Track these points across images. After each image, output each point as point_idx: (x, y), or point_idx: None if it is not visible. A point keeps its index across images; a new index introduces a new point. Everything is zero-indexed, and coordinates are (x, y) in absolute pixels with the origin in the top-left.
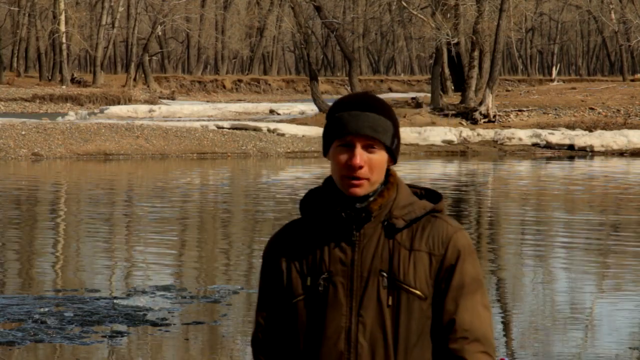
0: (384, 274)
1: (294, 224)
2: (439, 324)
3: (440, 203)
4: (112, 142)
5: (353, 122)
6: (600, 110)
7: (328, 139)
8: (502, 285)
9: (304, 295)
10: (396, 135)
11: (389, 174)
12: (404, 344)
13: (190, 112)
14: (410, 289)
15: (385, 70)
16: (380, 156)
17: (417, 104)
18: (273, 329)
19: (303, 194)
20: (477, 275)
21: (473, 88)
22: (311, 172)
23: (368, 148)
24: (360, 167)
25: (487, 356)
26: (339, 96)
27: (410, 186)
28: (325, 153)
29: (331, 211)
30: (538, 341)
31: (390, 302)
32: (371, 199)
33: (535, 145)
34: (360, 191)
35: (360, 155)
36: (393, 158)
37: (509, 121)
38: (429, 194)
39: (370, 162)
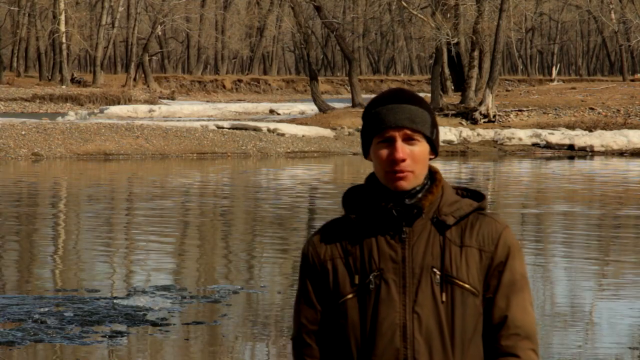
0: (436, 270)
1: (335, 223)
2: (488, 320)
3: (484, 201)
4: (112, 142)
5: (390, 116)
6: (600, 110)
7: (367, 138)
8: None
9: (353, 293)
10: (434, 125)
11: (434, 172)
12: (460, 339)
13: (190, 112)
14: (465, 285)
15: (385, 70)
16: (421, 148)
17: None
18: (319, 329)
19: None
20: (524, 273)
21: (473, 88)
22: (311, 172)
23: (409, 140)
24: (403, 160)
25: (535, 354)
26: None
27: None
28: (366, 154)
29: (380, 208)
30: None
31: (444, 299)
32: (420, 195)
33: (535, 145)
34: (406, 184)
35: (402, 148)
36: (434, 149)
37: (509, 121)
38: (471, 194)
39: (412, 154)
